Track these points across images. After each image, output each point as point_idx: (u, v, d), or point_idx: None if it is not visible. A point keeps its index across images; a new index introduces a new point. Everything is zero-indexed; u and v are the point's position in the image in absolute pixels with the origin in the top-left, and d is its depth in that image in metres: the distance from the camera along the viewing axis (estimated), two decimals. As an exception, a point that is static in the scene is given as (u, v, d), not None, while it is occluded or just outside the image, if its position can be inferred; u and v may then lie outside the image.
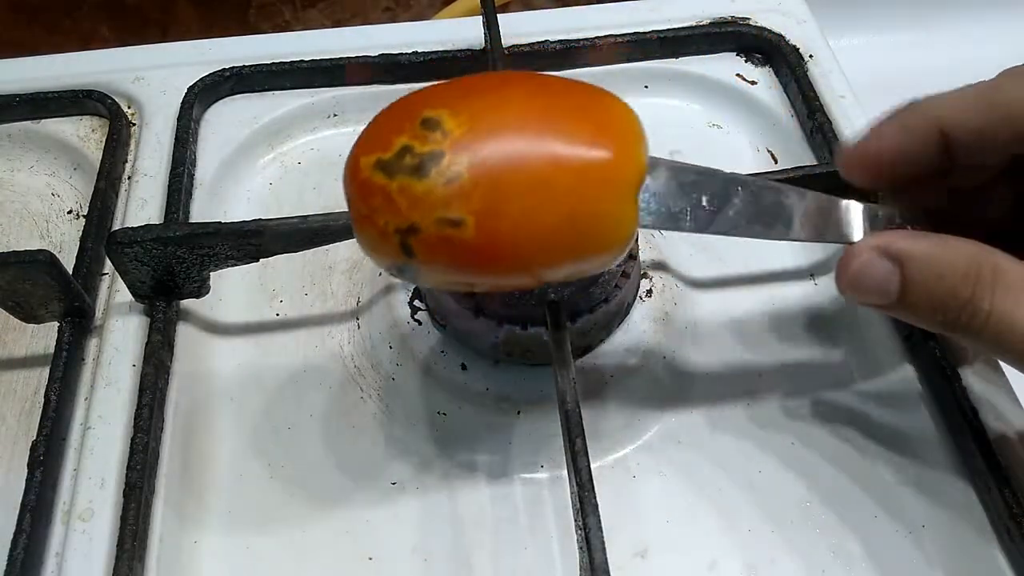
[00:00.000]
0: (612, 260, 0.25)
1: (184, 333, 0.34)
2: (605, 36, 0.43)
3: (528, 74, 0.26)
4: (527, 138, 0.23)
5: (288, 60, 0.43)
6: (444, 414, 0.32)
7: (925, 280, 0.24)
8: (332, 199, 0.40)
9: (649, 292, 0.35)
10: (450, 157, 0.22)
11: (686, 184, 0.25)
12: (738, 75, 0.44)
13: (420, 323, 0.34)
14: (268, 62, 0.43)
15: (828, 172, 0.34)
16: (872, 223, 0.27)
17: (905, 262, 0.24)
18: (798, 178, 0.34)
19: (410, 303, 0.35)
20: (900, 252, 0.24)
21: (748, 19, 0.45)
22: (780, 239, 0.27)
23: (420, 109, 0.23)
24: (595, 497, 0.26)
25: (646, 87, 0.44)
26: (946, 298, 0.24)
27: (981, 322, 0.23)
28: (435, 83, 0.25)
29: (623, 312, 0.34)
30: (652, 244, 0.37)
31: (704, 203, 0.26)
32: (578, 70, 0.44)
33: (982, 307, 0.23)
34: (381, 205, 0.22)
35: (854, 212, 0.27)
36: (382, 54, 0.43)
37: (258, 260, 0.32)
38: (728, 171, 0.26)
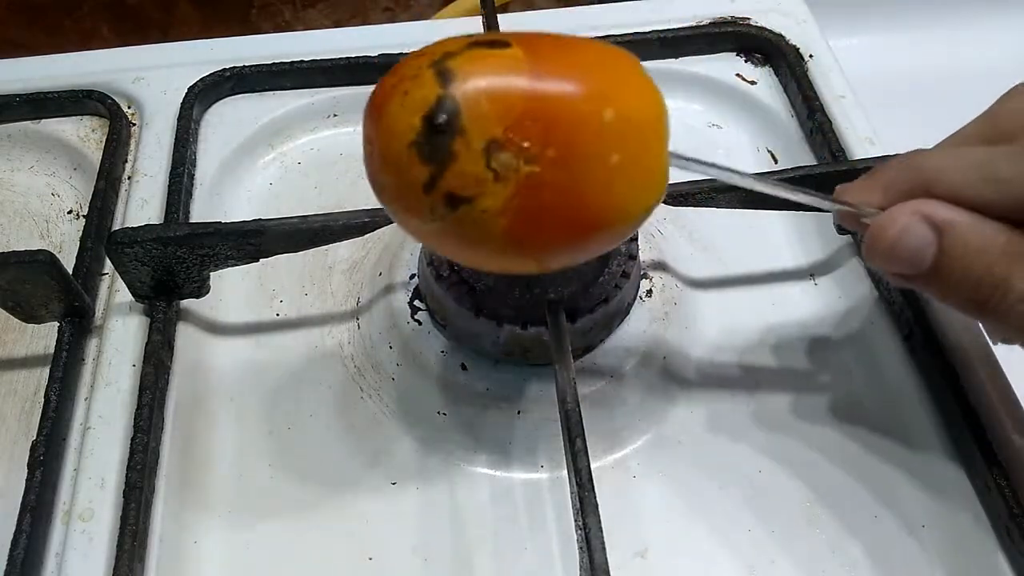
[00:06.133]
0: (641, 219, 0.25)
1: (184, 333, 0.34)
2: (605, 36, 0.43)
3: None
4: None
5: (288, 60, 0.43)
6: (444, 414, 0.32)
7: (964, 253, 0.23)
8: (332, 199, 0.40)
9: (649, 292, 0.35)
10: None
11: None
12: (738, 75, 0.44)
13: (420, 323, 0.34)
14: (268, 62, 0.43)
15: (827, 172, 0.34)
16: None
17: (946, 231, 0.23)
18: (798, 178, 0.34)
19: (410, 303, 0.35)
20: (943, 220, 0.23)
21: (748, 19, 0.45)
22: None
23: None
24: (595, 497, 0.26)
25: (646, 87, 0.44)
26: (982, 273, 0.23)
27: (1012, 302, 0.23)
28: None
29: (623, 312, 0.34)
30: (652, 244, 0.37)
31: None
32: (578, 70, 0.44)
33: (1016, 286, 0.22)
34: None
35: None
36: (382, 54, 0.43)
37: (258, 260, 0.32)
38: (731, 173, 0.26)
